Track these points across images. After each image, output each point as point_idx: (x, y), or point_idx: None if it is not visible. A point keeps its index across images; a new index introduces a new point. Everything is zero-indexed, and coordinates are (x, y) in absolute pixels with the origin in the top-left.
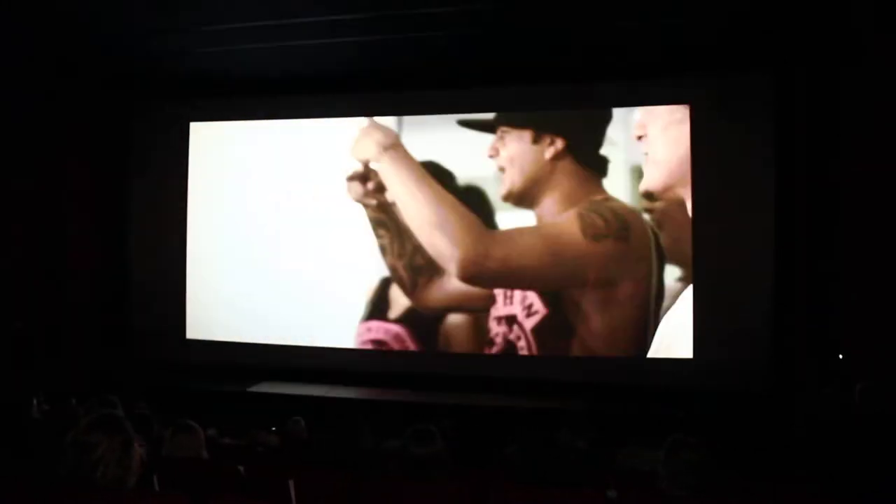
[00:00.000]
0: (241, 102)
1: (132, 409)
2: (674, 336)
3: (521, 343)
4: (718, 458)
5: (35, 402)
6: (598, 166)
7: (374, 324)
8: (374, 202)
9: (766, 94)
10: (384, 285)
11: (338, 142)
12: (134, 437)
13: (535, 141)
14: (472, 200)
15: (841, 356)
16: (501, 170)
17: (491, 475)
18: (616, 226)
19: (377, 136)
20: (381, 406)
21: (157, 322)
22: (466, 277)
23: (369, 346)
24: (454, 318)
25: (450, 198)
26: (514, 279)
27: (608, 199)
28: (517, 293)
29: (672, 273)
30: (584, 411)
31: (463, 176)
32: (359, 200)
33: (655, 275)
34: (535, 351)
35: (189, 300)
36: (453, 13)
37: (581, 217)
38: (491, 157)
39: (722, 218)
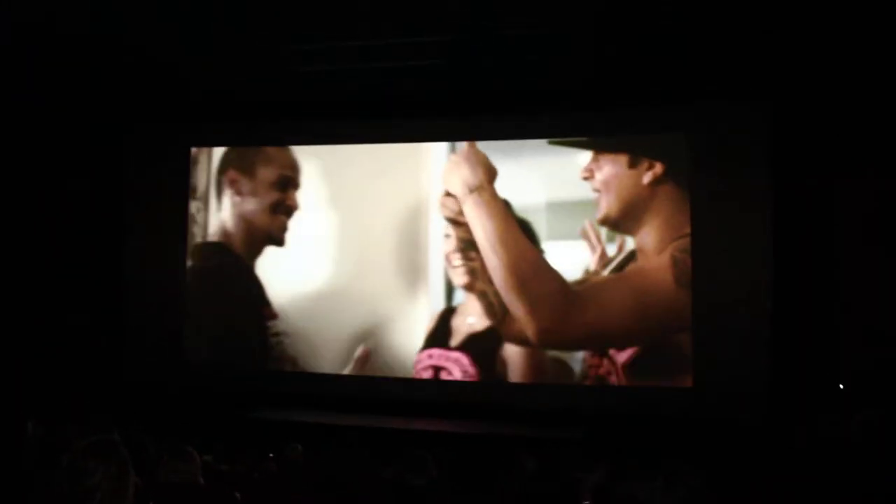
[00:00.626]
0: (248, 126)
1: (128, 434)
2: None
3: (613, 378)
4: (716, 487)
5: (29, 426)
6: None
7: (436, 351)
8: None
9: (763, 125)
10: (446, 314)
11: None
12: (129, 463)
13: (632, 165)
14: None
15: (841, 386)
16: (597, 191)
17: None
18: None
19: (464, 174)
20: (376, 433)
21: (155, 346)
22: (544, 346)
23: (429, 374)
24: (513, 348)
25: (532, 255)
26: (597, 341)
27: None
28: None
29: None
30: (581, 440)
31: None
32: (450, 218)
33: None
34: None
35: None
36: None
37: (675, 262)
38: (585, 178)
39: (720, 246)
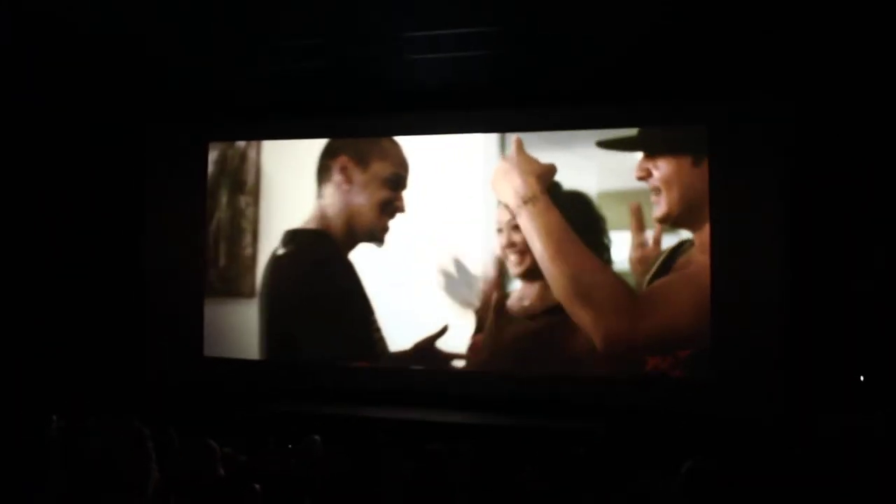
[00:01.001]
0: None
1: (149, 427)
2: None
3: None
4: (735, 484)
5: (53, 420)
6: None
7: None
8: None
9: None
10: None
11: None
12: (153, 455)
13: (696, 164)
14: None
15: (862, 378)
16: (656, 191)
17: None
18: None
19: (515, 183)
20: (401, 425)
21: (175, 340)
22: (611, 353)
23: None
24: None
25: (594, 262)
26: (664, 344)
27: None
28: None
29: None
30: (599, 433)
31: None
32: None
33: None
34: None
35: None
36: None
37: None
38: (641, 178)
39: (739, 240)
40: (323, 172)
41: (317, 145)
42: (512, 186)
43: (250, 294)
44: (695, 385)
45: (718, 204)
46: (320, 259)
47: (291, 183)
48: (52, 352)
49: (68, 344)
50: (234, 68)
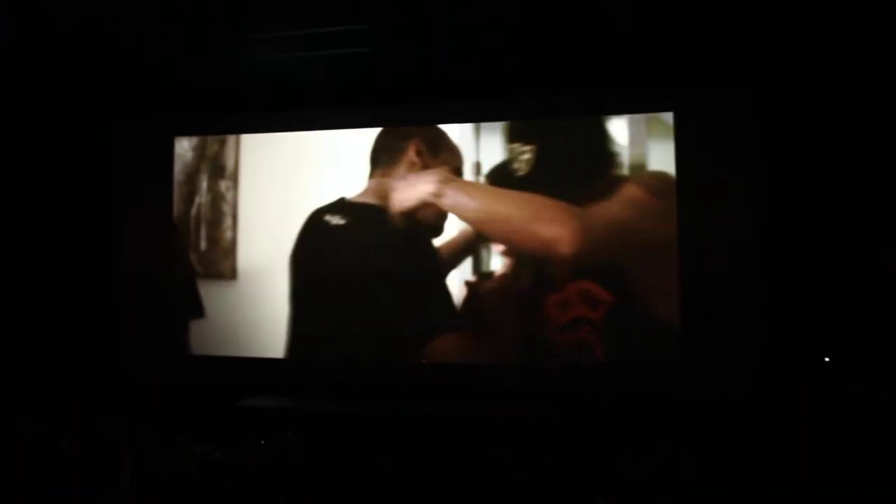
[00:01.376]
0: (238, 115)
1: (121, 425)
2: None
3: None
4: (708, 466)
5: (23, 421)
6: None
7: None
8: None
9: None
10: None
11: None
12: (126, 454)
13: None
14: None
15: (827, 359)
16: None
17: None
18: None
19: (423, 188)
20: (378, 418)
21: (152, 337)
22: (578, 252)
23: None
24: None
25: (527, 194)
26: (622, 248)
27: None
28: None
29: None
30: (568, 418)
31: None
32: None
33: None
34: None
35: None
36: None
37: (646, 186)
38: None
39: (708, 216)
40: (388, 153)
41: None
42: (423, 190)
43: (231, 276)
44: (665, 364)
45: (686, 187)
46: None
47: (271, 167)
48: (22, 350)
49: (42, 343)
50: (201, 60)
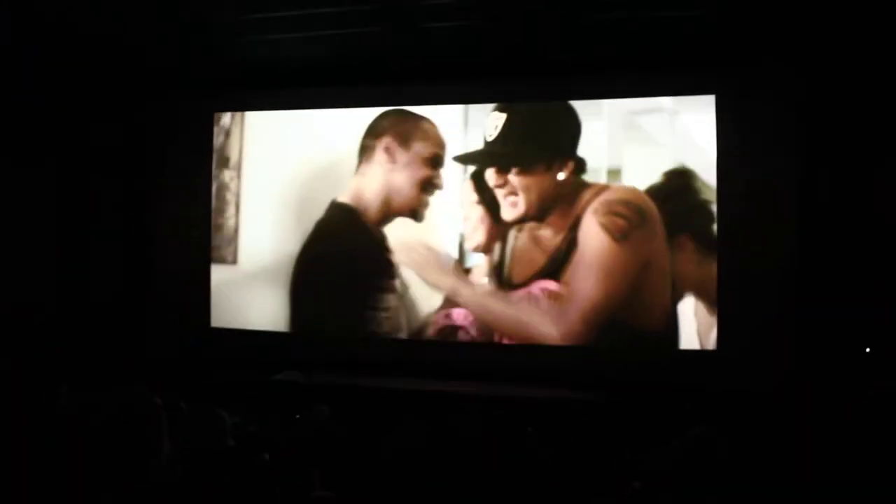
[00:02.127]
0: (272, 92)
1: (157, 399)
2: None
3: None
4: (741, 455)
5: (62, 391)
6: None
7: (455, 309)
8: None
9: (794, 86)
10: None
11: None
12: (165, 426)
13: (548, 168)
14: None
15: (868, 350)
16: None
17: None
18: (636, 215)
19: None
20: (409, 395)
21: (182, 311)
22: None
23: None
24: None
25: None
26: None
27: (606, 188)
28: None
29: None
30: (603, 403)
31: None
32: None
33: (668, 252)
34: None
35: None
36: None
37: (603, 225)
38: (509, 195)
39: (747, 205)
40: (365, 151)
41: (302, 119)
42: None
43: (233, 261)
44: (700, 355)
45: (725, 172)
46: (346, 232)
47: (273, 157)
48: (60, 322)
49: (76, 317)
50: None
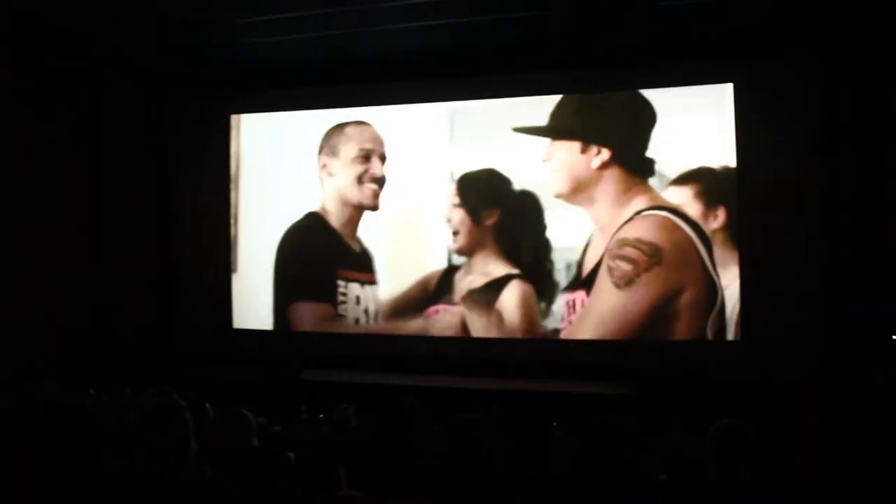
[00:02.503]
0: (285, 93)
1: (184, 399)
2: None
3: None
4: (768, 445)
5: (91, 392)
6: (645, 169)
7: (441, 307)
8: None
9: (813, 75)
10: (448, 272)
11: (390, 130)
12: (191, 427)
13: (583, 151)
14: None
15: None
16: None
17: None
18: (646, 257)
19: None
20: (432, 393)
21: (206, 313)
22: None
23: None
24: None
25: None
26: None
27: (639, 213)
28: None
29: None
30: (629, 396)
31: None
32: None
33: (710, 268)
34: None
35: (235, 290)
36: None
37: (609, 269)
38: (545, 161)
39: (768, 199)
40: (319, 174)
41: (291, 128)
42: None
43: (233, 269)
44: (725, 345)
45: (745, 160)
46: (314, 236)
47: (268, 170)
48: (87, 323)
49: (103, 317)
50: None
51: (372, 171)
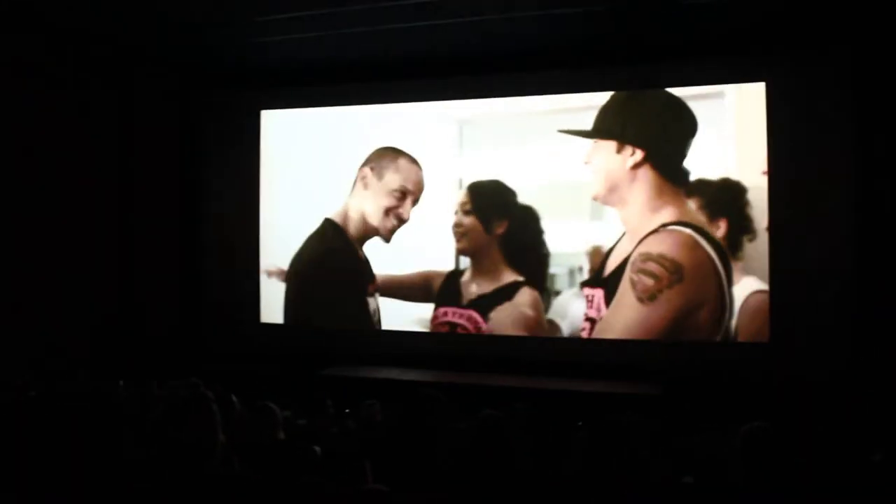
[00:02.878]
0: (315, 89)
1: (212, 392)
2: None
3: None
4: (795, 447)
5: (120, 384)
6: (680, 178)
7: (451, 309)
8: None
9: (846, 70)
10: (454, 275)
11: (407, 128)
12: (218, 420)
13: (618, 151)
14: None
15: None
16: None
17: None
18: (668, 273)
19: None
20: (455, 389)
21: (232, 307)
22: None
23: (445, 329)
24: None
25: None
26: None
27: (665, 225)
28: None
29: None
30: (654, 396)
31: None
32: None
33: (725, 285)
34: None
35: (263, 284)
36: None
37: (632, 282)
38: (586, 163)
39: (800, 197)
40: (357, 177)
41: (308, 133)
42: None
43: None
44: (753, 346)
45: (779, 158)
46: (330, 245)
47: (286, 174)
48: (117, 320)
49: (132, 311)
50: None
51: (401, 210)
